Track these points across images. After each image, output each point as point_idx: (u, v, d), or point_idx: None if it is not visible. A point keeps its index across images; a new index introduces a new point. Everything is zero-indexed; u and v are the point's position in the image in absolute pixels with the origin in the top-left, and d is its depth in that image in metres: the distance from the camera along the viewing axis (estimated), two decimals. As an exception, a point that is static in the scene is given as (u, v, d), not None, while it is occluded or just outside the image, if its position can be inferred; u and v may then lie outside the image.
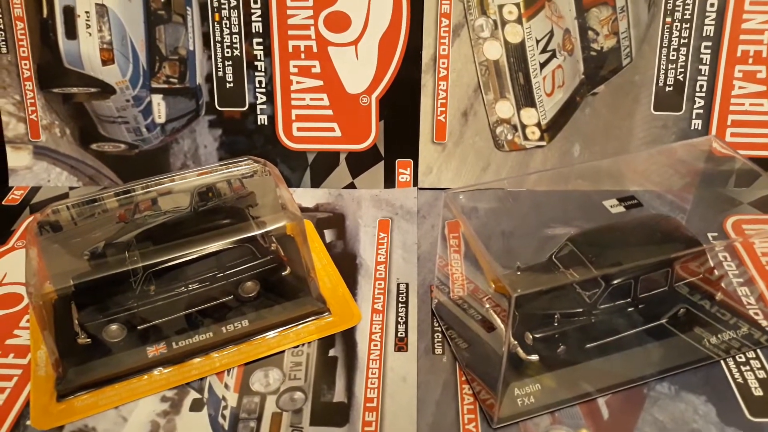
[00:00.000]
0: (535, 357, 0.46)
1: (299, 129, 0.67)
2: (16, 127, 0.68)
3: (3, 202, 0.67)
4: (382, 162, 0.67)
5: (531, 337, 0.46)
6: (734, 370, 0.48)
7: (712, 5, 0.61)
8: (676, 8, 0.62)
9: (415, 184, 0.67)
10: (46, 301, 0.48)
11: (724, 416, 0.45)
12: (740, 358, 0.49)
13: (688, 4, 0.62)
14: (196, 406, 0.47)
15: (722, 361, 0.49)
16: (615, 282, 0.46)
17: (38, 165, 0.68)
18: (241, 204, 0.54)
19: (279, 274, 0.53)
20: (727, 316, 0.51)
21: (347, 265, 0.58)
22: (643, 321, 0.48)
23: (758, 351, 0.50)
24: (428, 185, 0.67)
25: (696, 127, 0.64)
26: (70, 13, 0.64)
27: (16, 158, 0.69)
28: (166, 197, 0.53)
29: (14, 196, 0.67)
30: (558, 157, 0.65)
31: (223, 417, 0.47)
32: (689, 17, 0.62)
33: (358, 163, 0.67)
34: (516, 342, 0.47)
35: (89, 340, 0.49)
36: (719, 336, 0.50)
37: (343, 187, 0.68)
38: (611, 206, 0.46)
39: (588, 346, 0.47)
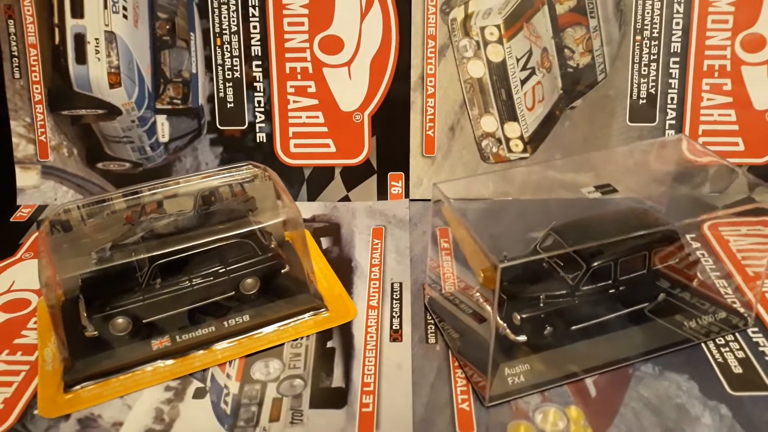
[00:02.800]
0: (523, 338, 0.49)
1: (296, 145, 0.70)
2: (26, 148, 0.71)
3: (11, 219, 0.69)
4: (375, 175, 0.70)
5: (519, 317, 0.48)
6: (714, 352, 0.51)
7: (677, 24, 0.67)
8: (645, 27, 0.67)
9: (407, 195, 0.71)
10: (57, 294, 0.50)
11: (707, 391, 0.48)
12: (720, 341, 0.52)
13: (656, 24, 0.67)
14: (199, 394, 0.49)
15: (703, 344, 0.51)
16: (595, 264, 0.49)
17: (45, 184, 0.71)
18: (241, 208, 0.57)
19: (278, 271, 0.55)
20: (706, 305, 0.54)
21: (343, 268, 0.61)
22: (625, 305, 0.51)
23: (737, 334, 0.52)
24: (419, 197, 0.71)
25: (666, 154, 0.68)
26: (80, 40, 0.69)
27: (25, 178, 0.72)
28: (171, 201, 0.56)
29: (22, 214, 0.70)
30: (538, 167, 0.69)
31: (225, 403, 0.48)
32: (657, 35, 0.67)
33: (352, 176, 0.70)
34: (505, 324, 0.49)
35: (96, 333, 0.51)
36: (699, 320, 0.52)
37: (338, 200, 0.71)
38: (588, 192, 0.49)
39: (573, 328, 0.50)
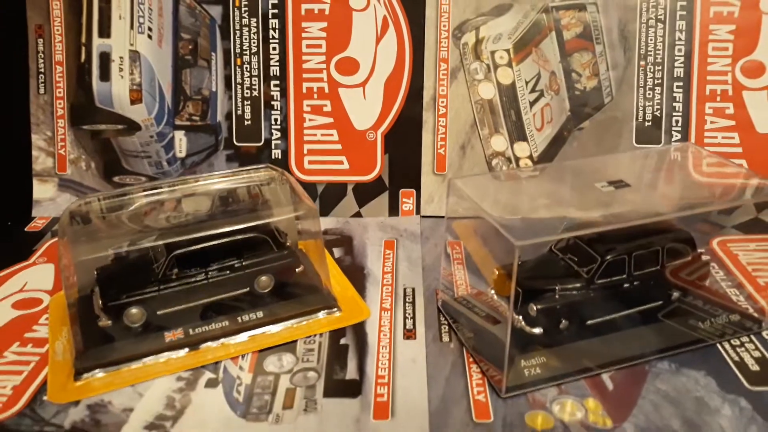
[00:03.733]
0: (539, 330, 0.49)
1: (310, 162, 0.72)
2: (44, 161, 0.73)
3: (26, 229, 0.70)
4: (387, 192, 0.72)
5: (535, 308, 0.48)
6: (730, 352, 0.50)
7: (679, 50, 0.70)
8: (648, 53, 0.70)
9: (418, 212, 0.72)
10: (73, 282, 0.50)
11: (725, 386, 0.47)
12: (735, 341, 0.51)
13: (659, 50, 0.70)
14: (211, 384, 0.48)
15: (718, 345, 0.51)
16: (609, 257, 0.49)
17: (62, 197, 0.72)
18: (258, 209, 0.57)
19: (293, 270, 0.56)
20: (719, 311, 0.54)
21: (355, 275, 0.61)
22: (639, 302, 0.51)
23: (751, 336, 0.52)
24: (430, 213, 0.72)
25: (676, 158, 0.70)
26: (105, 59, 0.71)
27: (42, 190, 0.73)
28: (189, 200, 0.57)
29: (36, 224, 0.71)
30: (547, 183, 0.70)
31: (238, 392, 0.48)
32: (660, 60, 0.70)
33: (365, 193, 0.72)
34: (521, 317, 0.49)
35: (110, 322, 0.51)
36: (713, 321, 0.52)
37: (351, 215, 0.72)
38: (602, 187, 0.50)
39: (589, 323, 0.50)
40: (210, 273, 0.53)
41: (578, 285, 0.49)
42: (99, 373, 0.49)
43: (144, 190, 0.55)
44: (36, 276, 0.62)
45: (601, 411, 0.45)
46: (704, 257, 0.62)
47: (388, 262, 0.63)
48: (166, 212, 0.56)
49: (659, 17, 0.69)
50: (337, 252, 0.65)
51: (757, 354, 0.50)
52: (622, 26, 0.70)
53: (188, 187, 0.56)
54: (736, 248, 0.64)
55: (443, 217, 0.71)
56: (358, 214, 0.72)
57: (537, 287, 0.49)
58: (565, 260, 0.51)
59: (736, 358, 0.50)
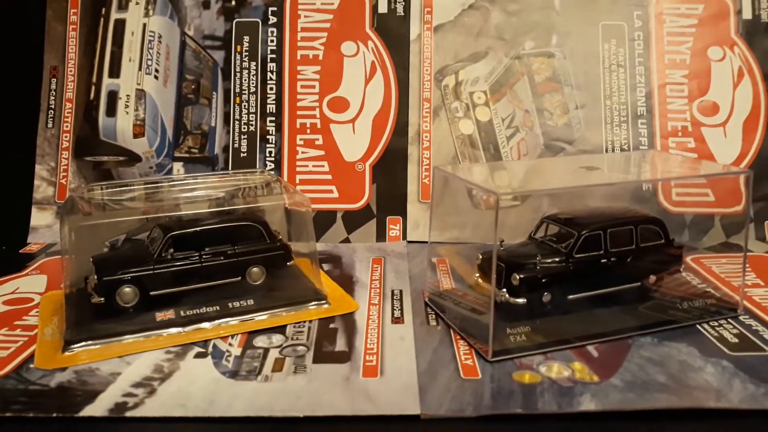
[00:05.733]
0: (522, 300, 0.50)
1: (302, 191, 0.75)
2: (45, 190, 0.75)
3: (20, 252, 0.71)
4: (375, 219, 0.75)
5: (518, 277, 0.50)
6: (710, 330, 0.52)
7: (641, 92, 0.76)
8: (613, 93, 0.77)
9: (404, 237, 0.74)
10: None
11: (706, 352, 0.48)
12: (714, 323, 0.53)
13: (622, 91, 0.77)
14: (200, 356, 0.48)
15: (698, 325, 0.53)
16: (585, 232, 0.52)
17: (58, 224, 0.74)
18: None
19: (285, 262, 0.57)
20: (697, 297, 0.56)
21: (345, 282, 0.62)
22: (618, 279, 0.53)
23: (729, 319, 0.54)
24: (416, 239, 0.74)
25: (647, 187, 0.74)
26: (113, 96, 0.77)
27: (39, 218, 0.75)
28: (187, 204, 0.59)
29: (31, 248, 0.72)
30: (529, 212, 0.74)
31: (228, 361, 0.48)
32: (624, 100, 0.76)
33: (353, 220, 0.75)
34: (504, 290, 0.51)
35: (102, 299, 0.51)
36: (691, 303, 0.54)
37: (340, 241, 0.74)
38: (577, 169, 0.54)
39: (570, 297, 0.51)
40: (204, 257, 0.54)
41: (558, 259, 0.51)
42: (88, 346, 0.49)
43: (145, 183, 0.58)
44: (28, 283, 0.63)
45: (587, 371, 0.46)
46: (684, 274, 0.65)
47: (376, 272, 0.65)
48: (165, 211, 0.58)
49: (620, 63, 0.77)
50: (327, 266, 0.67)
51: (735, 331, 0.52)
52: (586, 70, 0.77)
53: (186, 183, 0.59)
54: (709, 262, 0.67)
55: (428, 242, 0.73)
56: (346, 240, 0.74)
57: (519, 261, 0.51)
58: (545, 242, 0.54)
59: (716, 334, 0.51)
